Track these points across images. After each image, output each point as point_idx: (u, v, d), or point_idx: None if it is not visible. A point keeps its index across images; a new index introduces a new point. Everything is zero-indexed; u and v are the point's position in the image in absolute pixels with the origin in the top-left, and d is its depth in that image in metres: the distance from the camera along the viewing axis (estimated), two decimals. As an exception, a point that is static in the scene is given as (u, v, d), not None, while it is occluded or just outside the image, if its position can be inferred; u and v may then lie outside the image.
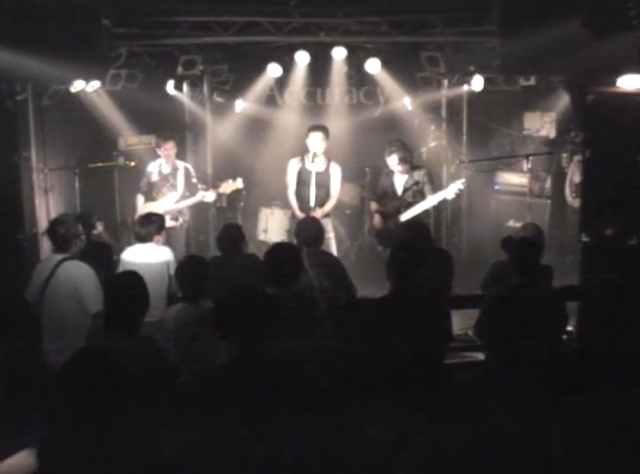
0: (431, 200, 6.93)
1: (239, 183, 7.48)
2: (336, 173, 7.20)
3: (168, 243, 6.36)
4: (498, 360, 3.03)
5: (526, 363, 2.97)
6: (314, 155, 7.00)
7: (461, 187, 6.93)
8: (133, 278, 3.95)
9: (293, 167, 7.20)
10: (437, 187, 7.23)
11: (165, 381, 3.62)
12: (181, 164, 7.62)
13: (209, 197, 7.42)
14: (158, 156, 7.61)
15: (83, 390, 2.62)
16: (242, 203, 8.77)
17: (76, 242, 4.86)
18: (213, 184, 8.17)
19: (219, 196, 7.76)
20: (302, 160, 7.14)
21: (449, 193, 6.92)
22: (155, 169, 7.57)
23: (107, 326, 3.79)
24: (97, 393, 2.62)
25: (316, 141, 6.98)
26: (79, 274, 4.72)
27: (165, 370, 3.73)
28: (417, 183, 7.01)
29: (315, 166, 7.03)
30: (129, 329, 3.72)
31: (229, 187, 7.48)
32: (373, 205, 7.38)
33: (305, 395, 2.94)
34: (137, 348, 3.59)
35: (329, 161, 7.18)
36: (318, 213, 6.93)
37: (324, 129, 7.07)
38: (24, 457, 2.61)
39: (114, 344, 3.60)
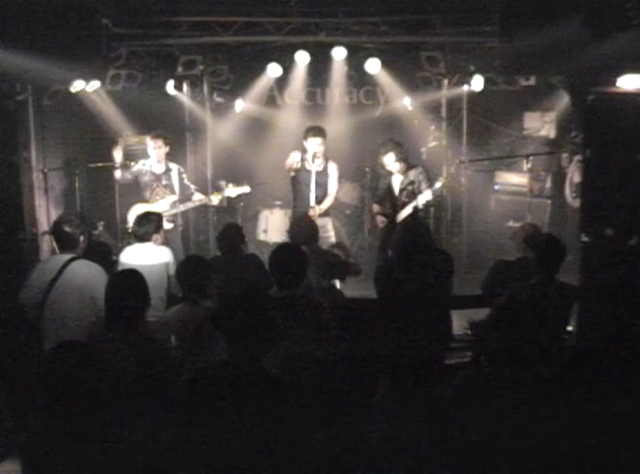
0: (419, 200, 6.93)
1: (246, 188, 7.46)
2: (333, 172, 7.22)
3: (165, 245, 6.39)
4: (505, 360, 3.02)
5: (533, 363, 2.97)
6: (314, 156, 7.01)
7: (437, 185, 6.91)
8: (133, 277, 3.95)
9: (294, 158, 7.13)
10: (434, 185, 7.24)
11: (166, 380, 3.62)
12: (173, 165, 7.54)
13: (214, 199, 7.40)
14: (148, 156, 7.55)
15: (59, 387, 2.59)
16: (242, 204, 8.76)
17: (82, 241, 4.86)
18: (216, 186, 8.15)
19: (224, 199, 7.71)
20: (302, 159, 7.14)
21: (429, 195, 6.90)
22: (146, 168, 7.44)
23: (107, 325, 3.79)
24: (73, 390, 2.58)
25: (314, 145, 7.00)
26: (91, 273, 4.66)
27: (166, 369, 3.72)
28: (412, 182, 7.03)
29: (315, 166, 7.05)
30: (130, 328, 3.71)
31: (235, 190, 7.46)
32: (375, 207, 7.41)
33: (286, 405, 2.94)
34: (138, 346, 3.59)
35: (327, 160, 7.20)
36: (316, 211, 6.93)
37: (322, 133, 7.07)
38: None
39: (114, 343, 3.61)
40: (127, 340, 3.63)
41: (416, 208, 6.94)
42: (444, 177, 7.35)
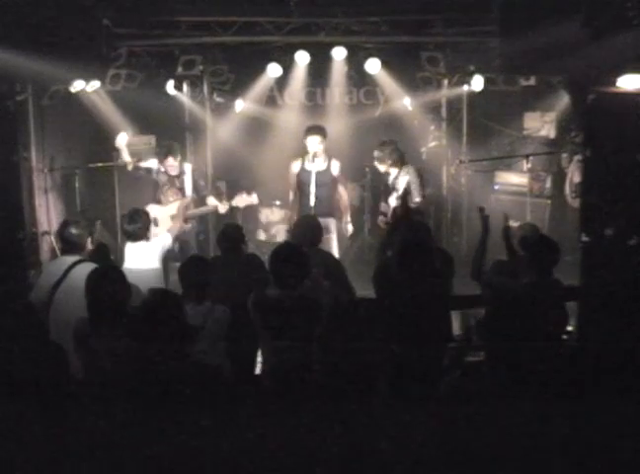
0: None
1: (254, 198, 7.19)
2: (336, 171, 7.20)
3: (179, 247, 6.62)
4: (504, 360, 3.03)
5: (530, 363, 2.98)
6: (314, 155, 7.00)
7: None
8: (110, 272, 3.99)
9: (295, 169, 7.19)
10: (431, 185, 7.28)
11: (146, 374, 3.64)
12: (187, 166, 7.38)
13: (222, 208, 7.16)
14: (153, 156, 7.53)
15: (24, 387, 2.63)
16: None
17: (88, 244, 4.87)
18: (217, 191, 8.11)
19: (232, 208, 7.59)
20: (302, 160, 7.14)
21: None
22: (159, 168, 7.34)
23: (91, 321, 3.81)
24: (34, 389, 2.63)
25: (314, 144, 6.98)
26: None
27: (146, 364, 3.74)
28: (401, 182, 7.08)
29: (315, 165, 7.02)
30: (112, 323, 3.74)
31: (243, 201, 7.18)
32: (382, 206, 7.46)
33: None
34: (121, 344, 3.63)
35: (329, 159, 7.18)
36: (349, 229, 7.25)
37: (321, 132, 7.04)
38: None
39: (98, 337, 3.65)
40: (110, 334, 3.67)
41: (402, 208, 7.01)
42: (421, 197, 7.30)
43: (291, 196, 7.35)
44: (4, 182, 6.24)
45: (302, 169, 7.14)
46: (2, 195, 6.20)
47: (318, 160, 7.03)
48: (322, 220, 6.54)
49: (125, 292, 3.91)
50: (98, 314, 3.80)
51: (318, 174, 7.02)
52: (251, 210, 8.96)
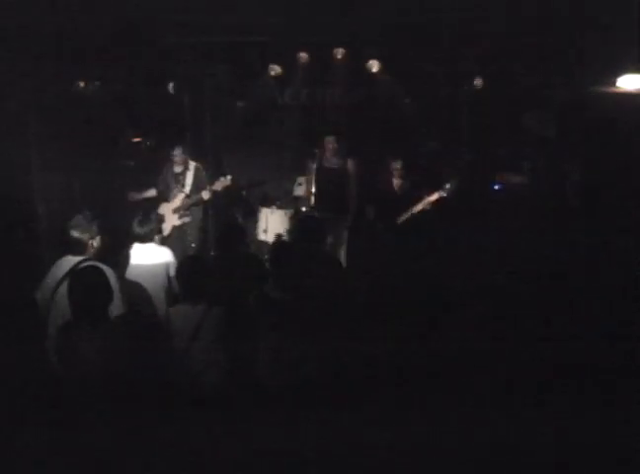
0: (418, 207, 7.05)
1: (228, 180, 7.46)
2: (353, 169, 7.32)
3: (180, 239, 6.78)
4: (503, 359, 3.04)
5: (530, 362, 2.99)
6: (331, 153, 7.18)
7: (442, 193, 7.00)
8: (95, 273, 4.02)
9: (313, 167, 7.31)
10: (431, 185, 7.33)
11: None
12: (192, 165, 7.65)
13: (205, 195, 7.45)
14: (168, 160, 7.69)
15: None
16: (241, 201, 8.78)
17: (92, 244, 4.87)
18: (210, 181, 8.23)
19: (213, 193, 7.75)
20: (320, 158, 7.27)
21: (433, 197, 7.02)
22: (169, 170, 7.61)
23: (74, 319, 3.84)
24: None
25: (328, 143, 7.22)
26: None
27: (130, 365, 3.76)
28: (409, 184, 7.19)
29: (332, 163, 7.17)
30: (95, 322, 3.76)
31: (220, 184, 7.47)
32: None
33: None
34: (104, 341, 3.67)
35: (346, 157, 7.30)
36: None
37: (335, 131, 7.28)
38: None
39: (80, 338, 3.68)
40: (93, 333, 3.73)
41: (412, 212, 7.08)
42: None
43: (300, 192, 7.44)
44: (4, 182, 6.26)
45: (320, 166, 7.26)
46: (2, 194, 6.22)
47: (334, 158, 7.20)
48: (337, 216, 6.68)
49: (109, 293, 3.93)
50: (80, 312, 3.82)
51: (334, 171, 7.18)
52: (251, 210, 8.97)
